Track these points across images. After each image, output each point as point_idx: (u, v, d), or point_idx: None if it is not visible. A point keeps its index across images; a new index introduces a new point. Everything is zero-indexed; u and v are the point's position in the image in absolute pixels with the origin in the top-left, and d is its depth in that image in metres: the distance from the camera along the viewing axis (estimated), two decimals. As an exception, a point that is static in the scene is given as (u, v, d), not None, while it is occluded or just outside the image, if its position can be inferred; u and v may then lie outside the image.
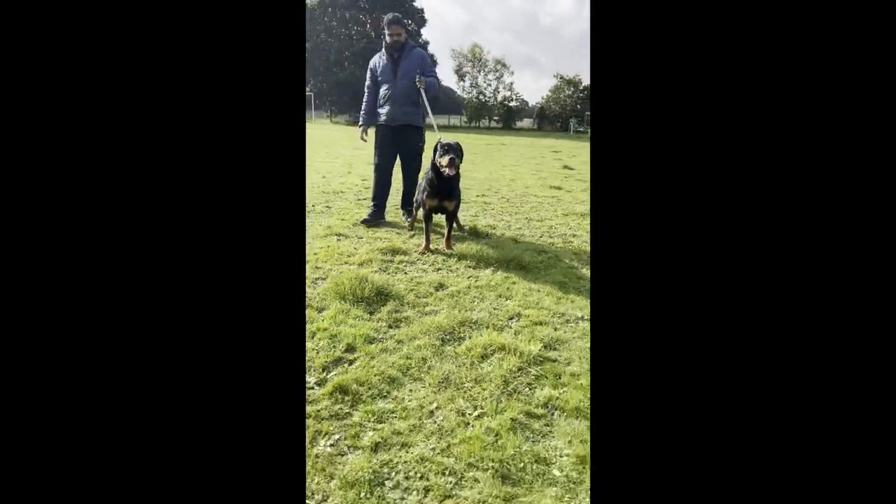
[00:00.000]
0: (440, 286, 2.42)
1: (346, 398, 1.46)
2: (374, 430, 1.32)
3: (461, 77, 32.61)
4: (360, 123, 3.84)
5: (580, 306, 2.24)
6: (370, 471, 1.17)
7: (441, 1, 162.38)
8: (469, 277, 2.57)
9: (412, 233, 3.43)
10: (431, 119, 3.58)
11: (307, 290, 2.27)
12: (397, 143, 3.67)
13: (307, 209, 4.10)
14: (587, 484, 1.15)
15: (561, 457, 1.25)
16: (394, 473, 1.17)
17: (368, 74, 3.72)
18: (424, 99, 3.54)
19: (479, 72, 32.16)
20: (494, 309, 2.17)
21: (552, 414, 1.43)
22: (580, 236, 3.62)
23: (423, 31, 31.58)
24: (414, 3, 30.95)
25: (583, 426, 1.37)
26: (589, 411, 1.43)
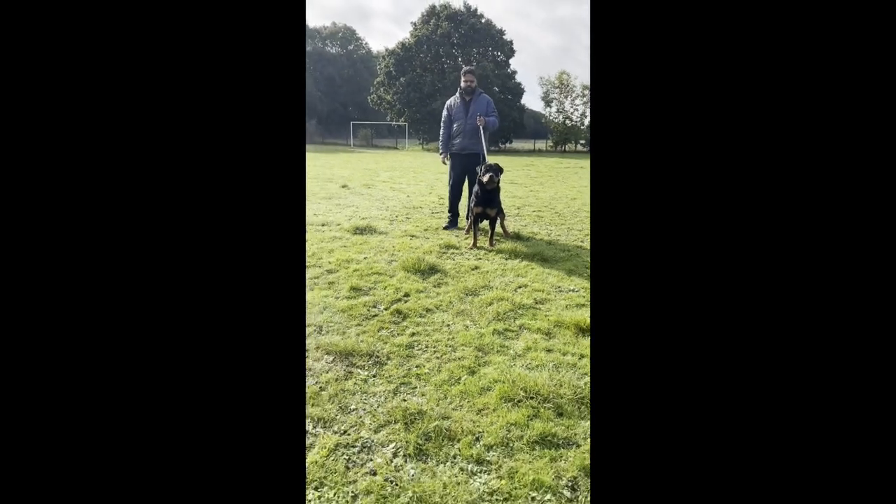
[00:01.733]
0: (475, 268, 3.36)
1: (400, 315, 2.46)
2: (413, 328, 2.30)
3: (548, 103, 33.42)
4: (441, 151, 4.93)
5: (577, 284, 3.04)
6: (407, 341, 2.15)
7: (534, 28, 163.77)
8: (499, 264, 3.47)
9: (467, 235, 4.41)
10: (485, 150, 4.57)
11: (385, 266, 3.34)
12: (466, 166, 4.71)
13: (391, 219, 5.27)
14: (525, 358, 2.02)
15: (516, 346, 2.12)
16: (419, 343, 2.14)
17: (444, 112, 4.82)
18: (482, 134, 4.56)
19: (565, 97, 32.76)
20: (510, 281, 3.05)
21: (521, 330, 2.31)
22: (607, 242, 4.33)
23: (511, 61, 33.08)
24: (504, 36, 32.64)
25: (538, 336, 2.22)
26: (546, 331, 2.28)
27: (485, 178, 3.79)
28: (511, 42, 32.47)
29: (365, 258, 3.55)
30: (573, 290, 2.91)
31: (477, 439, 1.47)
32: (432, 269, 3.23)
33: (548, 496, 1.24)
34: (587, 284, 3.02)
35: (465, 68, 4.78)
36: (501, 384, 1.75)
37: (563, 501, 1.23)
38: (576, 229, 4.92)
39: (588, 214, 5.83)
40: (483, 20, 31.33)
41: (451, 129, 4.74)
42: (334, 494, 1.24)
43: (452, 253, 3.79)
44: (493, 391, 1.71)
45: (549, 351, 2.08)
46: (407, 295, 2.76)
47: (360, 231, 4.49)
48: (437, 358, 2.01)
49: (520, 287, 2.95)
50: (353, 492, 1.26)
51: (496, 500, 1.23)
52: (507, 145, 31.60)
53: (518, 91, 31.79)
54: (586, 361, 1.97)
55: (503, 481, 1.29)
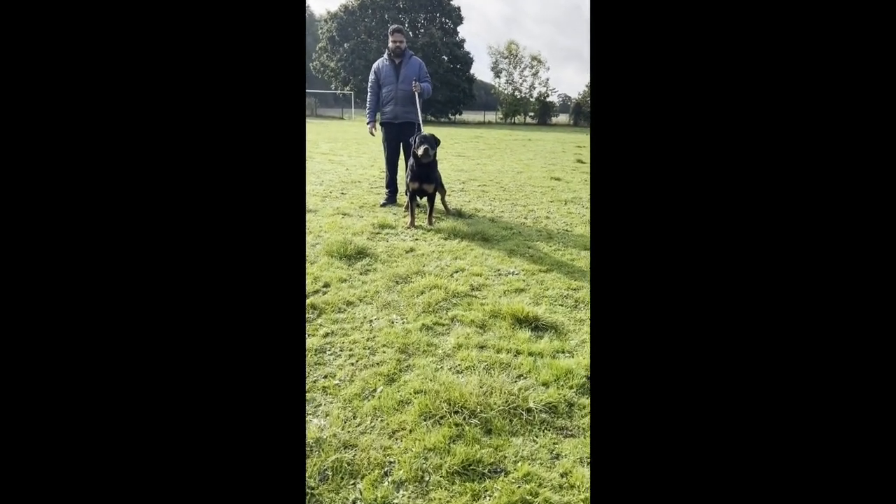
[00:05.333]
0: (411, 250, 3.06)
1: (315, 311, 2.13)
2: (328, 327, 1.99)
3: (497, 74, 32.96)
4: (368, 120, 4.49)
5: (517, 265, 2.82)
6: (318, 344, 1.83)
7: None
8: (436, 245, 3.19)
9: (406, 213, 4.08)
10: (420, 118, 4.20)
11: (306, 250, 2.97)
12: (400, 137, 4.32)
13: (323, 196, 4.83)
14: (455, 358, 1.76)
15: (445, 345, 1.86)
16: (332, 346, 1.83)
17: (372, 76, 4.34)
18: (418, 101, 4.17)
19: (514, 68, 32.41)
20: (446, 265, 2.78)
21: (453, 323, 2.05)
22: (552, 218, 4.15)
23: (459, 28, 32.15)
24: (451, 2, 31.56)
25: (472, 331, 1.97)
26: (480, 324, 2.03)
27: (419, 151, 3.45)
28: (459, 9, 31.49)
29: (286, 241, 3.15)
30: (513, 273, 2.69)
31: (385, 474, 1.20)
32: (361, 253, 2.90)
33: (465, 551, 1.00)
34: (527, 266, 2.80)
35: (392, 26, 4.31)
36: (423, 396, 1.48)
37: (483, 557, 0.99)
38: (520, 205, 4.71)
39: (533, 190, 5.65)
40: (430, -16, 30.06)
41: (381, 95, 4.30)
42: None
43: (387, 233, 3.46)
44: (413, 406, 1.45)
45: (481, 348, 1.84)
46: (326, 285, 2.43)
47: (286, 210, 4.05)
48: (352, 364, 1.72)
49: (456, 272, 2.69)
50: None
51: (400, 562, 0.97)
52: (457, 117, 31.02)
53: (467, 60, 31.04)
54: (522, 359, 1.75)
55: (411, 535, 1.03)
